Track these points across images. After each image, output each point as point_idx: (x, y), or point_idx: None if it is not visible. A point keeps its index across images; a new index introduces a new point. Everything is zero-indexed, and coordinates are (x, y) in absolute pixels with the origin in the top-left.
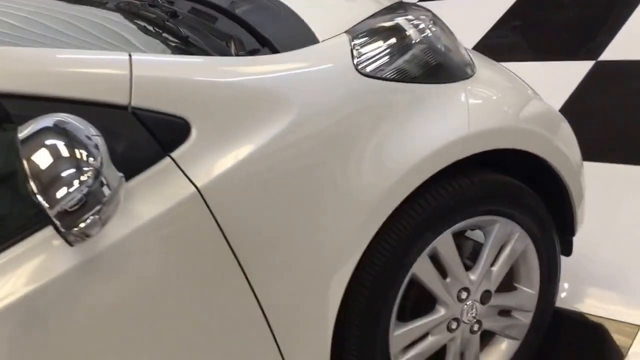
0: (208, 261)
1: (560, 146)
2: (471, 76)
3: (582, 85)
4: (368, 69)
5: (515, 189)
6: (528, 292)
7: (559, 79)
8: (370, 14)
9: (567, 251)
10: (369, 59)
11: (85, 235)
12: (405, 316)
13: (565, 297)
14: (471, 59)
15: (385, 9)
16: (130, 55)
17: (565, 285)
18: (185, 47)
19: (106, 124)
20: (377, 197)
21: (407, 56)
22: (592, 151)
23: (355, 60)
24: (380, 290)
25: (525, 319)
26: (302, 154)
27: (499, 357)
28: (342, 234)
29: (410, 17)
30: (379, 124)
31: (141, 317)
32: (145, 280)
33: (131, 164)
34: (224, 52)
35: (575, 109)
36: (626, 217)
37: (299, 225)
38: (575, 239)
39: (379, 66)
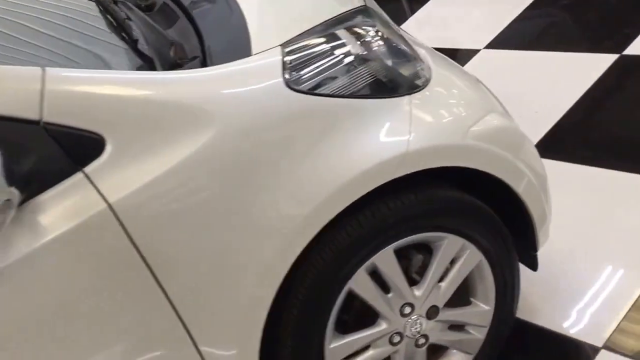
0: (122, 276)
1: (520, 165)
2: (421, 89)
3: (603, 78)
4: (300, 85)
5: (467, 205)
6: (483, 307)
7: (579, 70)
8: (321, 21)
9: (533, 266)
10: (301, 74)
11: None
12: (348, 328)
13: (530, 311)
14: (428, 68)
15: (334, 18)
16: (43, 70)
17: (533, 299)
18: (132, 51)
19: (17, 138)
20: (298, 221)
21: (344, 71)
22: (593, 153)
23: (286, 76)
24: (313, 303)
25: (479, 334)
26: (220, 173)
27: None
28: (261, 254)
29: (356, 28)
30: (308, 142)
31: (51, 331)
32: (54, 293)
33: (42, 178)
34: (166, 59)
35: (589, 103)
36: (615, 229)
37: (217, 244)
38: (551, 252)
39: (313, 81)
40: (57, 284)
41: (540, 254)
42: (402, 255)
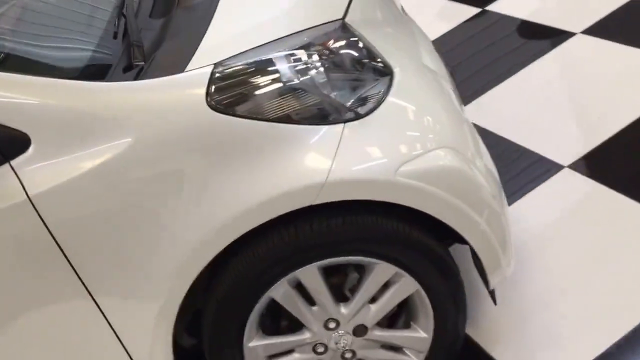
0: (39, 263)
1: (466, 210)
2: (362, 117)
3: None
4: (222, 105)
5: (402, 236)
6: (420, 334)
7: None
8: (284, 35)
9: (493, 300)
10: (226, 94)
11: None
12: (278, 330)
13: (493, 343)
14: (381, 95)
15: (300, 32)
16: None
17: (499, 332)
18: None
19: None
20: (202, 237)
21: (272, 95)
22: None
23: (210, 95)
24: (232, 302)
25: (416, 357)
26: (133, 180)
27: None
28: (169, 258)
29: (296, 52)
30: (223, 162)
31: None
32: None
33: None
34: (122, 62)
35: None
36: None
37: (128, 243)
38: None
39: (237, 102)
40: None
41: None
42: (339, 270)
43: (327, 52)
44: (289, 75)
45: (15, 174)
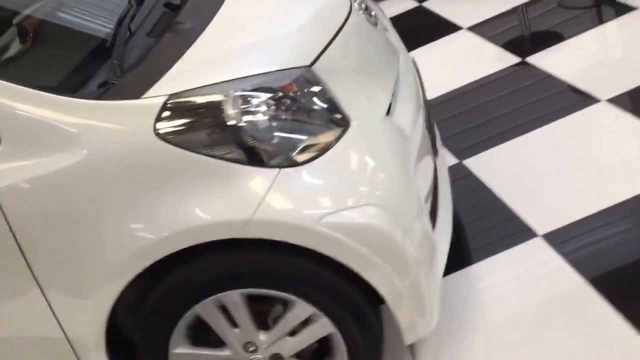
0: None
1: (380, 265)
2: (292, 166)
3: None
4: (168, 134)
5: (321, 280)
6: None
7: None
8: (250, 74)
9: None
10: (174, 126)
11: None
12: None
13: None
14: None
15: (262, 74)
16: None
17: None
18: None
19: None
20: (132, 252)
21: (215, 132)
22: None
23: (157, 124)
24: (159, 311)
25: None
26: (78, 188)
27: None
28: (104, 264)
29: (249, 94)
30: (160, 188)
31: None
32: None
33: None
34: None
35: None
36: None
37: (71, 242)
38: None
39: (183, 135)
40: None
41: None
42: (266, 300)
43: (284, 97)
44: (234, 116)
45: None
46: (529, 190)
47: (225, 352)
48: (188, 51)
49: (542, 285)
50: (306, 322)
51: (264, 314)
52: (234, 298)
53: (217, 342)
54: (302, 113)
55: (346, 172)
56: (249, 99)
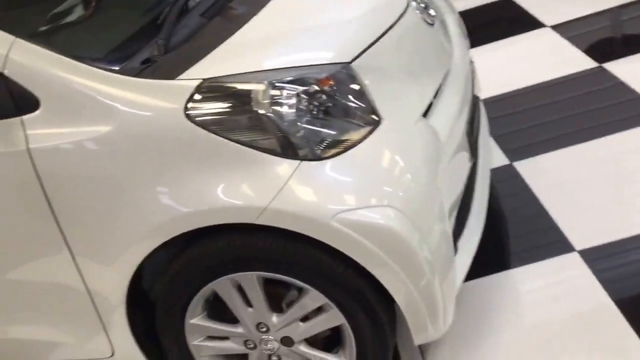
0: (26, 206)
1: (392, 267)
2: (314, 160)
3: None
4: (197, 117)
5: (334, 273)
6: None
7: None
8: (288, 66)
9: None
10: (203, 108)
11: None
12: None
13: None
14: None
15: (302, 67)
16: (14, 39)
17: None
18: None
19: None
20: (152, 226)
21: (243, 120)
22: None
23: (188, 105)
24: (179, 283)
25: None
26: (111, 157)
27: None
28: (129, 232)
29: (282, 85)
30: (185, 167)
31: None
32: None
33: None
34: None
35: None
36: None
37: (98, 207)
38: None
39: (212, 119)
40: None
41: None
42: (282, 284)
43: (318, 91)
44: (262, 106)
45: (23, 127)
46: (574, 202)
47: (238, 329)
48: (232, 37)
49: (568, 301)
50: (319, 310)
51: (278, 297)
52: (250, 279)
53: (231, 319)
54: (334, 108)
55: (369, 170)
56: (281, 90)
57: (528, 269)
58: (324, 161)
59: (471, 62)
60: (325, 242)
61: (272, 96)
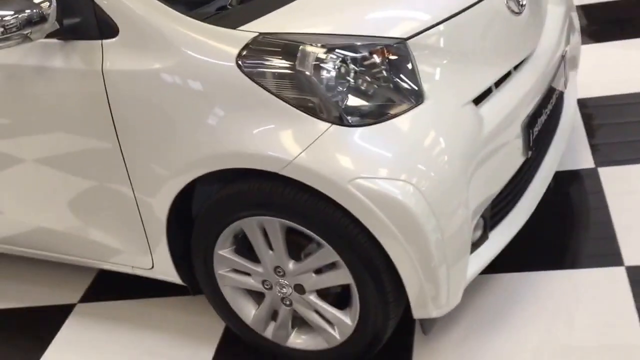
0: (92, 118)
1: (401, 241)
2: (345, 125)
3: None
4: (246, 67)
5: (349, 234)
6: (346, 319)
7: None
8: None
9: (422, 329)
10: (253, 61)
11: None
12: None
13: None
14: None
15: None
16: None
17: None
18: None
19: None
20: (189, 159)
21: (286, 76)
22: None
23: (241, 55)
24: (212, 216)
25: (337, 335)
26: (166, 89)
27: (305, 344)
28: (178, 158)
29: (330, 50)
30: (229, 110)
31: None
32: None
33: (80, 34)
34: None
35: None
36: None
37: (155, 134)
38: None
39: (259, 71)
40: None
41: None
42: (304, 235)
43: (367, 60)
44: (307, 66)
45: (102, 49)
46: None
47: (258, 268)
48: None
49: (597, 316)
50: (331, 266)
51: (299, 247)
52: (273, 224)
53: (254, 258)
54: (379, 81)
55: (398, 145)
56: (327, 54)
57: (570, 274)
58: (355, 128)
59: (562, 57)
60: (341, 203)
61: (318, 58)
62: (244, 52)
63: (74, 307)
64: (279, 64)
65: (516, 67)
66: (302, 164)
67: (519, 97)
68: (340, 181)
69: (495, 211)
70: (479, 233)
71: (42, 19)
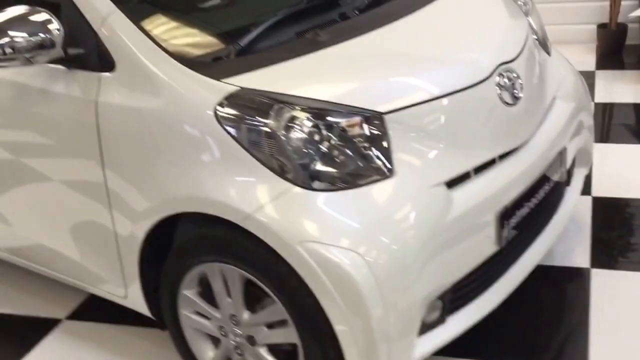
0: (81, 145)
1: (338, 300)
2: (306, 188)
3: None
4: (222, 119)
5: (300, 295)
6: None
7: None
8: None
9: None
10: (229, 113)
11: None
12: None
13: None
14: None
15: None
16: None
17: None
18: None
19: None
20: (157, 200)
21: (257, 134)
22: None
23: (218, 107)
24: (177, 257)
25: None
26: (151, 127)
27: None
28: (149, 197)
29: (303, 115)
30: (198, 154)
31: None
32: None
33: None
34: None
35: None
36: None
37: (138, 167)
38: None
39: (230, 122)
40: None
41: None
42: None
43: (339, 129)
44: (279, 126)
45: (99, 82)
46: (621, 334)
47: (216, 314)
48: (294, 59)
49: None
50: (283, 323)
51: (257, 299)
52: (233, 272)
53: (215, 303)
54: (350, 149)
55: (357, 215)
56: (302, 117)
57: None
58: (317, 192)
59: (563, 150)
60: (291, 264)
61: (291, 119)
62: (223, 104)
63: (59, 323)
64: (252, 119)
65: (503, 156)
66: (259, 219)
67: (497, 187)
68: (291, 241)
69: (457, 296)
70: (435, 315)
71: (52, 45)
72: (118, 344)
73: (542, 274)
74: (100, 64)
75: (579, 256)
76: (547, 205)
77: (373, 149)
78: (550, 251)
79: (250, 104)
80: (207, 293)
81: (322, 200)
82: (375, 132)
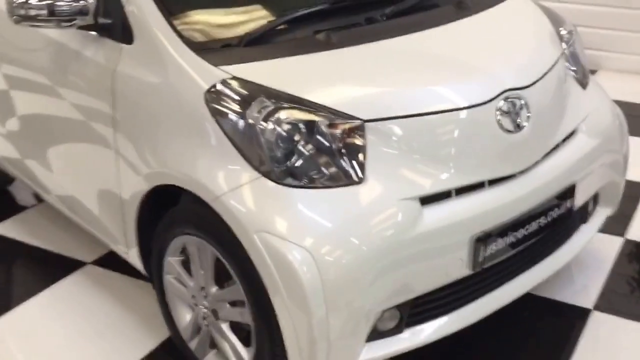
0: (97, 108)
1: (283, 294)
2: (275, 182)
3: None
4: (210, 102)
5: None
6: (243, 354)
7: None
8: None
9: None
10: (217, 97)
11: None
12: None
13: None
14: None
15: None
16: None
17: None
18: None
19: None
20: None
21: (236, 123)
22: None
23: (209, 92)
24: (167, 225)
25: None
26: (153, 99)
27: None
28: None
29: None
30: (187, 132)
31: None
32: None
33: (109, 32)
34: None
35: None
36: None
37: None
38: None
39: (217, 106)
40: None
41: None
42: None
43: (318, 130)
44: (258, 118)
45: (120, 52)
46: None
47: (190, 283)
48: (305, 56)
49: None
50: (243, 303)
51: (227, 277)
52: (205, 247)
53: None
54: (324, 150)
55: (318, 215)
56: (280, 113)
57: None
58: (283, 187)
59: (571, 186)
60: (246, 250)
61: (270, 113)
62: (212, 89)
63: (84, 266)
64: (236, 108)
65: (494, 182)
66: (225, 202)
67: (478, 211)
68: (249, 229)
69: (419, 310)
70: (392, 324)
71: (86, 12)
72: (128, 294)
73: (545, 305)
74: (122, 36)
75: (587, 295)
76: (544, 238)
77: (348, 154)
78: (559, 284)
79: (235, 94)
80: (188, 262)
81: (289, 196)
82: (354, 138)
